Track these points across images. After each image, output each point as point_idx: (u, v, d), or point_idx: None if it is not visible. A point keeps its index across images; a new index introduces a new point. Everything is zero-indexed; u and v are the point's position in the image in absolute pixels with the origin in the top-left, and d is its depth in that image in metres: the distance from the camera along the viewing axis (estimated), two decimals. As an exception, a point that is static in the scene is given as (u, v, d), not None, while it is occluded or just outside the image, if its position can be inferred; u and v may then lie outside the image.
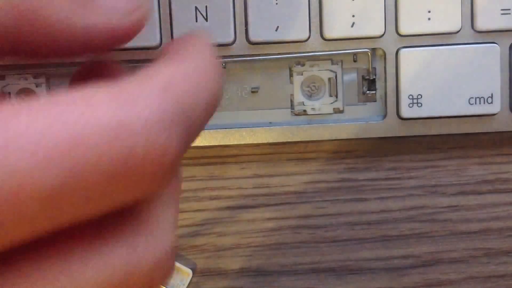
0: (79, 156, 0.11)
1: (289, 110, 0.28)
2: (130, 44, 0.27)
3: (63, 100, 0.12)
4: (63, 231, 0.12)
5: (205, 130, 0.28)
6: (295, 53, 0.27)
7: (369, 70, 0.28)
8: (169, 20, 0.27)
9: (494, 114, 0.28)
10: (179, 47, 0.15)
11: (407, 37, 0.27)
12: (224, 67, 0.28)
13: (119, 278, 0.12)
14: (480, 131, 0.28)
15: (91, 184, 0.12)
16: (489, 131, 0.28)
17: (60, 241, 0.12)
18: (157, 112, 0.12)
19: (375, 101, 0.28)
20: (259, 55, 0.27)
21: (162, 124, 0.12)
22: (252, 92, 0.28)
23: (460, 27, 0.27)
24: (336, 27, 0.27)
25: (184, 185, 0.29)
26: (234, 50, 0.27)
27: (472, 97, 0.27)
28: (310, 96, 0.28)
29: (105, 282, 0.12)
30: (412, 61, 0.27)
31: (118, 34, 0.16)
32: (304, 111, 0.28)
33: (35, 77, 0.27)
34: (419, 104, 0.27)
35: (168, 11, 0.27)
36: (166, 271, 0.13)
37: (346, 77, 0.28)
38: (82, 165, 0.11)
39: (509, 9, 0.27)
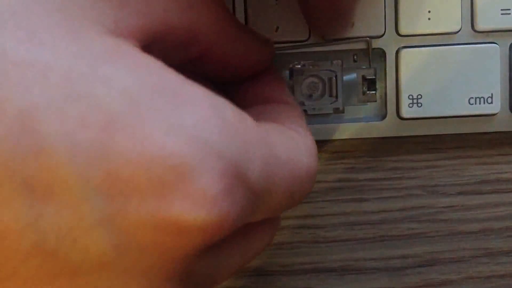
0: (298, 184, 0.19)
1: (289, 110, 0.28)
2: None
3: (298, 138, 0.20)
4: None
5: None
6: (295, 53, 0.27)
7: (369, 70, 0.28)
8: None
9: (494, 114, 0.28)
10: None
11: (407, 37, 0.27)
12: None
13: (265, 243, 0.21)
14: (480, 131, 0.28)
15: (294, 199, 0.19)
16: (489, 131, 0.28)
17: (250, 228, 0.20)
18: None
19: (375, 101, 0.28)
20: (259, 55, 0.27)
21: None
22: (252, 92, 0.28)
23: (460, 27, 0.27)
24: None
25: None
26: (234, 50, 0.27)
27: (472, 97, 0.27)
28: (310, 96, 0.28)
29: (259, 250, 0.20)
30: (412, 61, 0.27)
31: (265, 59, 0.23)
32: (304, 111, 0.28)
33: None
34: (419, 104, 0.27)
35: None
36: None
37: (346, 77, 0.28)
38: (296, 190, 0.19)
39: (509, 9, 0.27)
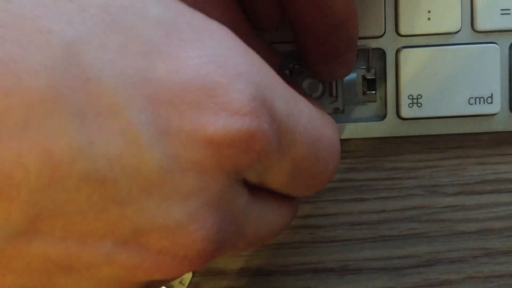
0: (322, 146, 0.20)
1: (289, 110, 0.28)
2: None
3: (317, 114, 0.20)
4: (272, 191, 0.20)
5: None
6: (295, 53, 0.27)
7: (369, 70, 0.28)
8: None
9: (494, 114, 0.28)
10: None
11: (407, 37, 0.27)
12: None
13: (281, 224, 0.21)
14: (480, 131, 0.28)
15: (319, 167, 0.20)
16: (489, 131, 0.28)
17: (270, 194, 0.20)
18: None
19: (375, 101, 0.28)
20: (259, 55, 0.27)
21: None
22: (252, 92, 0.28)
23: (460, 27, 0.27)
24: (336, 27, 0.27)
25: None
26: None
27: (472, 97, 0.27)
28: (310, 96, 0.28)
29: (278, 221, 0.21)
30: (412, 61, 0.27)
31: None
32: (304, 111, 0.28)
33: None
34: (419, 104, 0.27)
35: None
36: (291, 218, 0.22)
37: (346, 77, 0.28)
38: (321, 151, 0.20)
39: (509, 9, 0.27)
